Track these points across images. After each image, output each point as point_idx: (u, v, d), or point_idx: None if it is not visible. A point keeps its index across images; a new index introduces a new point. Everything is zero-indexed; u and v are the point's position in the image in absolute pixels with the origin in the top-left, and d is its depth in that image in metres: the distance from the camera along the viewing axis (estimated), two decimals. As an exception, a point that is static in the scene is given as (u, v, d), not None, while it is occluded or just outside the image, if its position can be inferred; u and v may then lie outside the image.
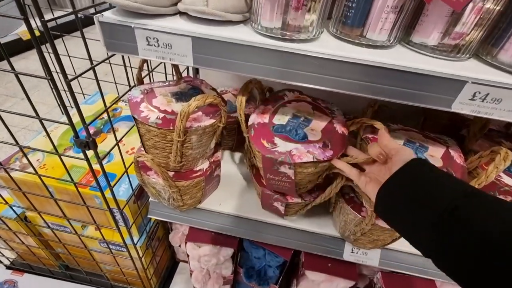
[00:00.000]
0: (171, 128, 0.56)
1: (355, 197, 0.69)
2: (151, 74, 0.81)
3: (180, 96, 0.64)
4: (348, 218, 0.68)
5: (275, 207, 0.71)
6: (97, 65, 0.52)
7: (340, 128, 0.61)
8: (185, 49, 0.45)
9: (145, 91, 0.62)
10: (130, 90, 0.65)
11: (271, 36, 0.44)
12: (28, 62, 2.56)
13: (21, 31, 2.42)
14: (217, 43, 0.44)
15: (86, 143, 0.53)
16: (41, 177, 0.66)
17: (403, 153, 0.45)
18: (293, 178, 0.59)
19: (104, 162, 0.79)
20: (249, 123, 0.63)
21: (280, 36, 0.44)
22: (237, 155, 0.95)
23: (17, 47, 2.51)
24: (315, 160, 0.55)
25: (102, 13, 0.45)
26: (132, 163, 0.69)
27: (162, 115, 0.57)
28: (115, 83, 1.11)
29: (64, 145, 0.89)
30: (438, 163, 0.57)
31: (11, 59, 0.47)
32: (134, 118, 0.58)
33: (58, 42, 0.40)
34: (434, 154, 0.60)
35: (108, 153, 0.63)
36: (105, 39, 0.46)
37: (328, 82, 0.45)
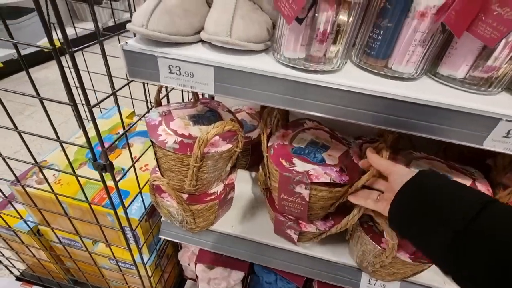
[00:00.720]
0: (188, 153, 0.55)
1: (374, 226, 0.66)
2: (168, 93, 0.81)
3: (198, 119, 0.63)
4: (366, 249, 0.65)
5: (288, 234, 0.69)
6: (117, 90, 0.53)
7: (356, 158, 0.61)
8: (206, 78, 0.45)
9: (163, 114, 0.63)
10: (148, 112, 0.65)
11: (294, 67, 0.44)
12: (48, 71, 2.65)
13: (45, 43, 2.53)
14: (239, 73, 0.43)
15: (103, 166, 0.53)
16: (56, 195, 0.66)
17: (399, 172, 0.47)
18: (307, 199, 0.58)
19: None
20: (269, 143, 0.64)
21: (304, 68, 0.43)
22: (251, 174, 0.94)
23: (40, 58, 2.62)
24: (332, 181, 0.55)
25: (127, 41, 0.46)
26: (146, 182, 0.69)
27: (179, 139, 0.57)
28: (131, 98, 1.13)
29: (80, 159, 0.90)
30: None
31: (33, 69, 0.47)
32: (152, 142, 0.58)
33: (77, 55, 0.41)
34: (458, 186, 0.57)
35: (124, 174, 0.63)
36: (128, 66, 0.47)
37: (351, 114, 0.44)
